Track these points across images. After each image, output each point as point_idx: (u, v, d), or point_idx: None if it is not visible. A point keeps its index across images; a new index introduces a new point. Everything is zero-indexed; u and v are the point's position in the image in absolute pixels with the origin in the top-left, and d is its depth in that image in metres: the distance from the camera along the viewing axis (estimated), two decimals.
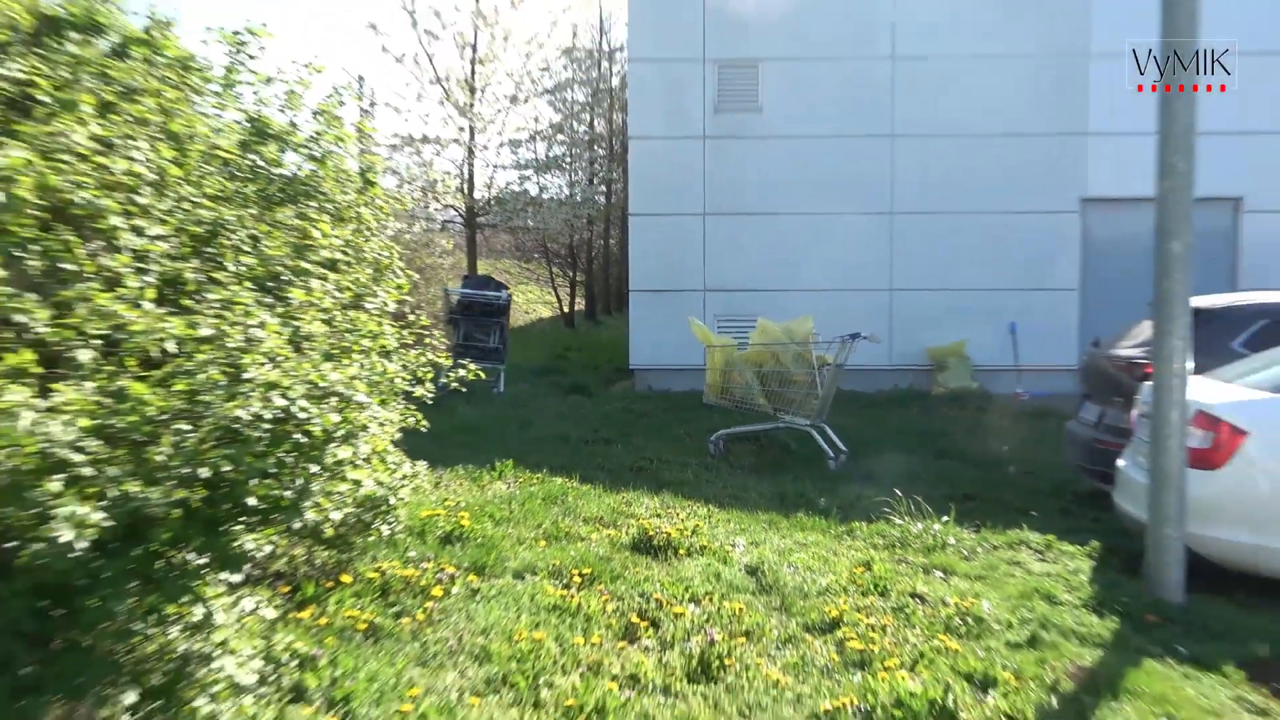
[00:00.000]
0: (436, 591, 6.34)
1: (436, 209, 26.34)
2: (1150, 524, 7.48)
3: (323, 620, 5.74)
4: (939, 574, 7.56)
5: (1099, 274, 18.12)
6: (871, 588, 7.05)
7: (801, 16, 18.09)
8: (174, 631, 4.06)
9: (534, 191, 28.84)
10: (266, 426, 3.97)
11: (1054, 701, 5.54)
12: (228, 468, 3.87)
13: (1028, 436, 13.52)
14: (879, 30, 18.07)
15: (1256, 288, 13.61)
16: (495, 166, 28.60)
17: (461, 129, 25.41)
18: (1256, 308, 10.34)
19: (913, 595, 6.95)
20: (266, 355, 4.19)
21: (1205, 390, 8.00)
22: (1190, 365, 7.58)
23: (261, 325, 4.33)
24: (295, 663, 5.07)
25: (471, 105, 25.19)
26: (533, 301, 35.45)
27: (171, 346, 3.97)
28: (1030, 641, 6.32)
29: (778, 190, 18.09)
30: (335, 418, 4.23)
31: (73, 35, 4.78)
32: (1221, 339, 9.67)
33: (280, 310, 4.72)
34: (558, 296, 34.76)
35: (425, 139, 25.21)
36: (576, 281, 34.39)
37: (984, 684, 5.66)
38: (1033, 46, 17.93)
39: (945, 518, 8.76)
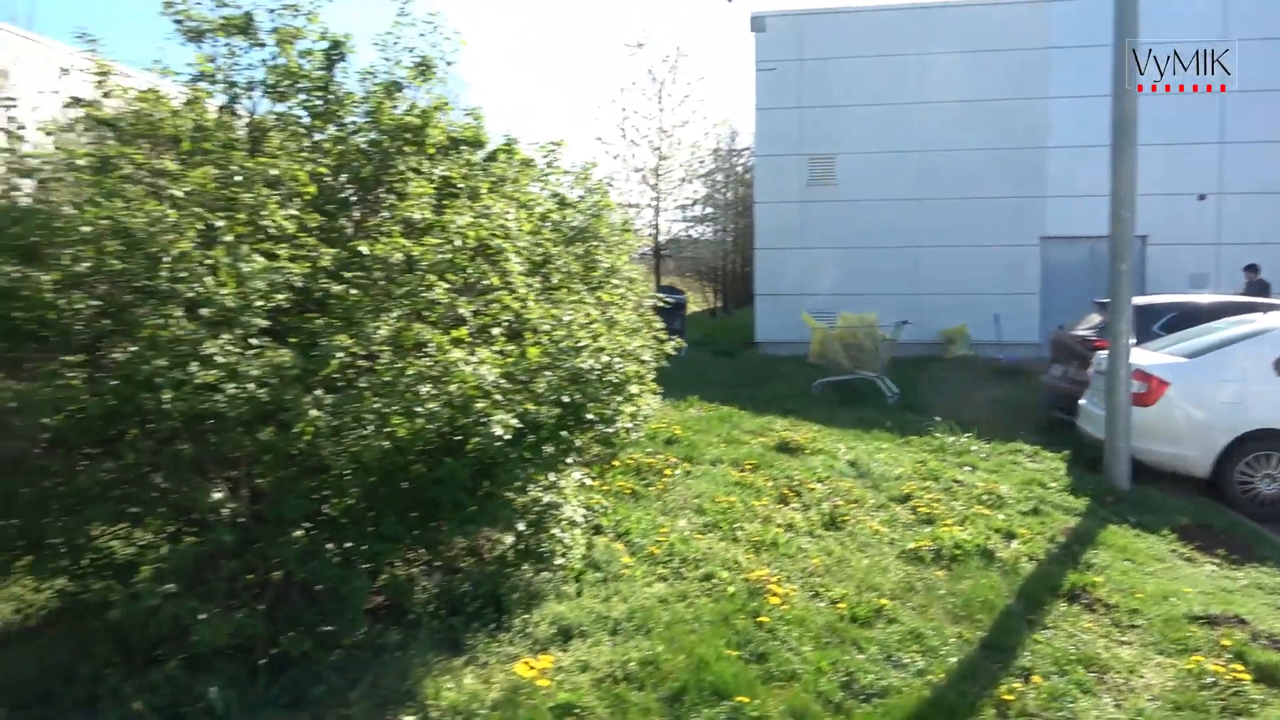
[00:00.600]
0: (667, 472, 6.40)
1: (636, 247, 26.49)
2: (1107, 439, 7.20)
3: (605, 487, 5.86)
4: (968, 468, 7.37)
5: (1050, 283, 17.36)
6: (928, 475, 6.91)
7: (862, 127, 17.71)
8: (537, 490, 4.19)
9: (694, 236, 28.85)
10: (597, 373, 4.05)
11: (1054, 548, 5.40)
12: (577, 397, 3.97)
13: (1009, 386, 13.03)
14: (910, 132, 17.54)
15: (1159, 293, 12.92)
16: (671, 221, 28.46)
17: (652, 199, 25.52)
18: (1168, 304, 9.99)
19: (955, 481, 6.79)
20: (594, 331, 4.27)
21: (1141, 356, 7.65)
22: (1132, 340, 7.27)
23: (588, 314, 4.42)
24: (602, 511, 5.21)
25: (657, 185, 25.24)
26: (690, 302, 35.40)
27: (545, 325, 4.09)
28: (1033, 511, 6.14)
29: (846, 234, 17.73)
30: (633, 368, 4.31)
31: (465, 148, 4.91)
32: (1147, 324, 9.23)
33: (594, 302, 4.80)
34: (705, 298, 34.72)
35: (631, 205, 25.33)
36: (716, 289, 34.25)
37: (1009, 536, 5.53)
38: (1010, 142, 17.22)
39: (967, 434, 8.53)
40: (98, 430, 3.46)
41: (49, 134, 4.40)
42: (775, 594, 4.33)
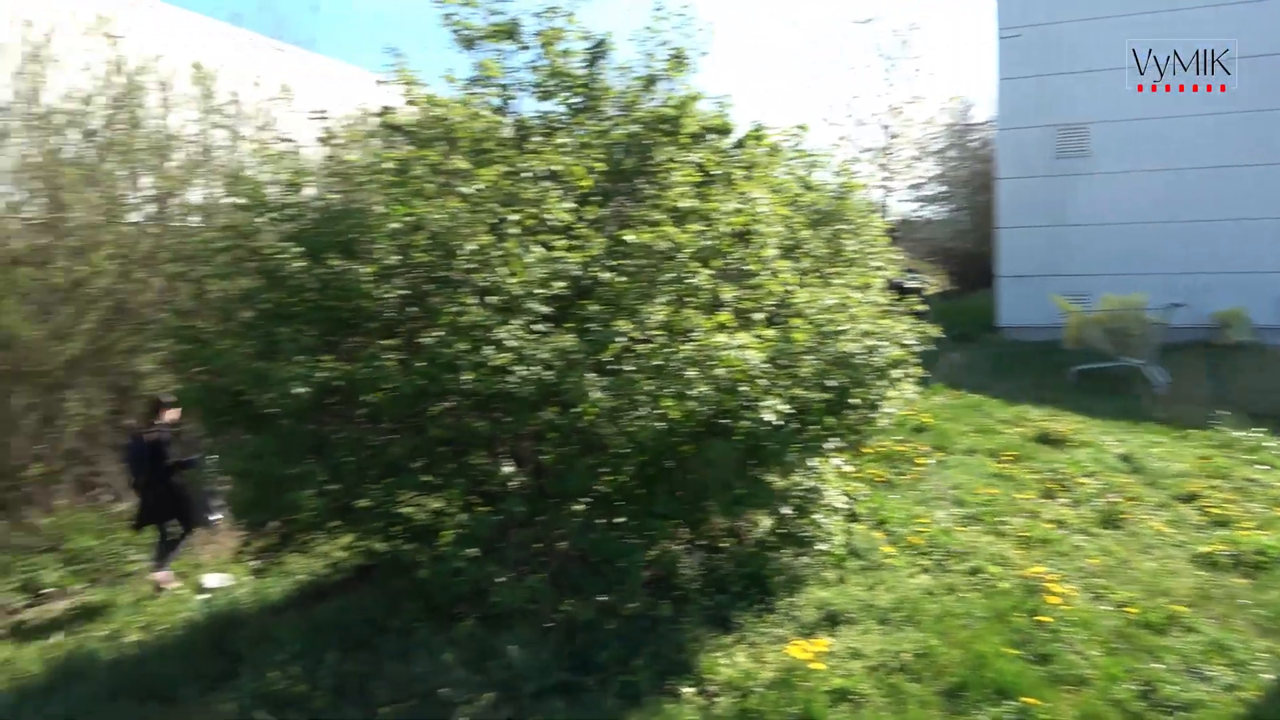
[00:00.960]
0: (919, 461, 6.19)
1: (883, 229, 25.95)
2: None
3: (858, 475, 5.74)
4: (1264, 466, 6.52)
5: None
6: (1215, 473, 6.21)
7: (1119, 93, 16.14)
8: (799, 474, 4.19)
9: (926, 216, 27.75)
10: (861, 357, 3.98)
11: None
12: (843, 380, 3.92)
13: None
14: (1175, 96, 15.78)
15: None
16: (900, 201, 27.50)
17: (882, 179, 24.84)
18: None
19: (1248, 480, 6.05)
20: (853, 314, 4.20)
21: None
22: None
23: (847, 296, 4.35)
24: (859, 498, 5.12)
25: (887, 164, 24.50)
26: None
27: (810, 309, 4.07)
28: None
29: (1100, 209, 16.22)
30: (897, 352, 4.19)
31: (713, 135, 4.94)
32: None
33: (858, 285, 4.71)
34: (937, 280, 33.31)
35: (860, 186, 24.80)
36: (949, 271, 32.74)
37: None
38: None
39: (1260, 429, 7.58)
40: (406, 407, 3.83)
41: (354, 141, 4.91)
42: (1053, 593, 4.08)
